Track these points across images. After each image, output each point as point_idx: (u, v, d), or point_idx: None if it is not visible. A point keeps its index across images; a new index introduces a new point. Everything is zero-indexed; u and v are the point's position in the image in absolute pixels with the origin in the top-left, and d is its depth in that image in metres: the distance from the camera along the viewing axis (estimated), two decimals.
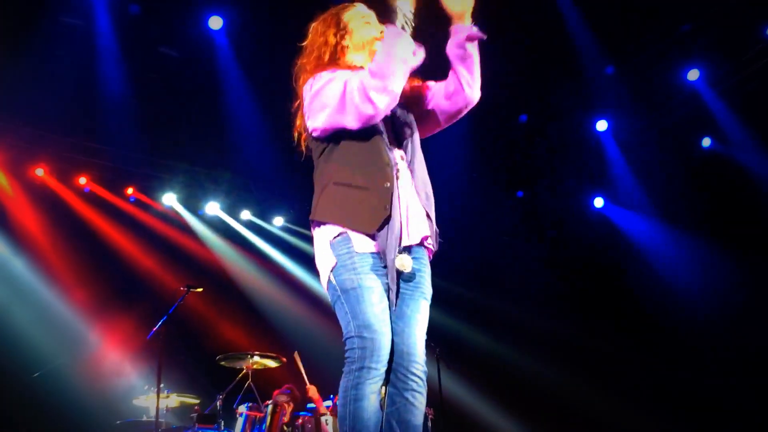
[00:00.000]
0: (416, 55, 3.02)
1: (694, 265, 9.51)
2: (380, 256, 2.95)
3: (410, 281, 3.05)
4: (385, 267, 2.95)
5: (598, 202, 10.58)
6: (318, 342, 8.41)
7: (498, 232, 10.85)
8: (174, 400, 6.86)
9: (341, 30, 3.24)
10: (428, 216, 3.12)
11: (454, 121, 3.35)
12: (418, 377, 2.95)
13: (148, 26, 7.73)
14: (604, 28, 8.08)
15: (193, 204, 9.97)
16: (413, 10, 3.01)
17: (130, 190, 9.58)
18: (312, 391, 7.43)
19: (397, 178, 3.02)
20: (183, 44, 8.04)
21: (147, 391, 6.78)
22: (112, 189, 9.43)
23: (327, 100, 2.98)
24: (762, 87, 8.62)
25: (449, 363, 7.70)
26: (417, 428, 2.94)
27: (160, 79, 8.25)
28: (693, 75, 8.82)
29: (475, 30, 3.10)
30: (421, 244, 3.10)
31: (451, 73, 3.21)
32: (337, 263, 2.97)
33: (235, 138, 9.05)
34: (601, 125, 9.66)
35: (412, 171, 3.13)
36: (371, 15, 3.30)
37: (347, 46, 3.24)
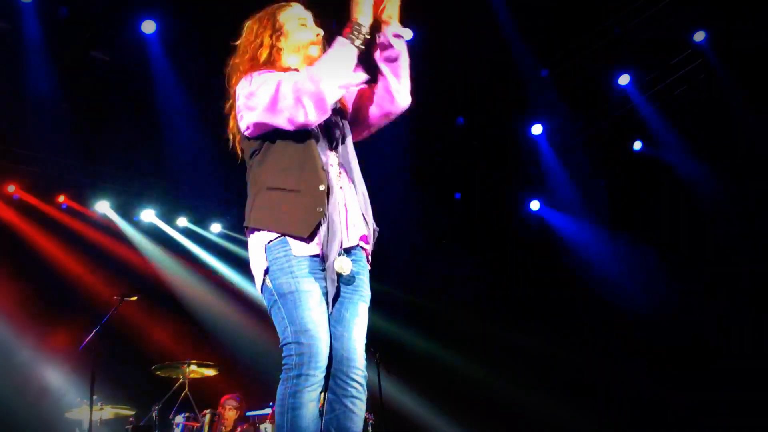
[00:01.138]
0: (356, 75, 2.99)
1: (624, 263, 9.72)
2: (319, 259, 2.91)
3: (349, 284, 3.00)
4: (323, 270, 2.91)
5: (534, 205, 10.73)
6: (255, 349, 8.32)
7: (435, 235, 10.91)
8: (108, 412, 6.72)
9: (276, 31, 3.18)
10: (364, 217, 3.09)
11: (384, 124, 3.32)
12: (358, 383, 2.92)
13: (79, 30, 7.55)
14: (538, 32, 8.21)
15: (127, 211, 9.76)
16: (369, 25, 2.97)
17: (61, 198, 9.33)
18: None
19: (332, 178, 2.99)
20: (115, 48, 7.87)
21: (80, 404, 6.62)
22: (43, 197, 9.17)
23: (259, 100, 2.93)
24: (689, 91, 8.88)
25: (389, 367, 7.69)
26: None
27: (92, 85, 8.07)
28: (624, 79, 9.03)
29: (400, 28, 3.09)
30: (358, 246, 3.07)
31: (379, 77, 3.19)
32: (273, 267, 2.91)
33: (171, 143, 8.89)
34: (537, 129, 9.81)
35: (347, 172, 3.10)
36: (308, 17, 3.26)
37: (282, 48, 3.19)
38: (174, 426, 6.30)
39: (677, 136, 9.21)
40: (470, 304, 10.45)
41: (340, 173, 3.06)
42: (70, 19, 7.42)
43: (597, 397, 9.38)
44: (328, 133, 3.11)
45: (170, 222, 10.12)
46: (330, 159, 3.06)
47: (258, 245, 2.98)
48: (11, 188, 8.95)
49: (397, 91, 3.16)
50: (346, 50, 2.92)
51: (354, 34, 2.92)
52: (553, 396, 9.39)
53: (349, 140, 3.18)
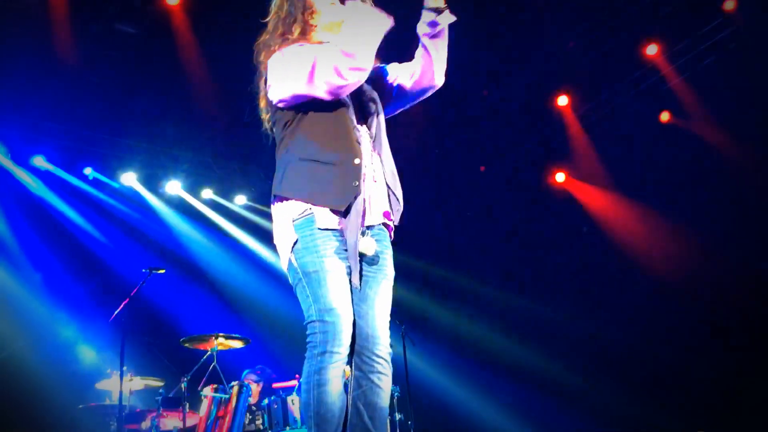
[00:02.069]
0: (384, 24, 2.93)
1: (652, 236, 9.63)
2: (342, 234, 2.93)
3: (373, 263, 3.03)
4: (347, 249, 2.93)
5: (560, 177, 10.65)
6: (282, 320, 8.38)
7: (460, 207, 10.88)
8: (138, 383, 6.81)
9: (307, 9, 3.17)
10: (394, 194, 3.10)
11: (417, 101, 3.32)
12: (384, 359, 2.95)
13: (104, 3, 7.55)
14: (565, 1, 8.08)
15: (153, 183, 9.82)
16: None
17: (88, 170, 9.41)
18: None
19: (364, 153, 2.99)
20: (139, 20, 7.87)
21: (110, 375, 6.72)
22: (70, 169, 9.25)
23: (296, 70, 2.93)
24: (719, 61, 8.72)
25: (414, 340, 7.72)
26: (383, 410, 2.95)
27: (118, 57, 8.08)
28: (651, 49, 8.88)
29: (447, 12, 3.05)
30: (382, 222, 3.07)
31: (418, 54, 3.19)
32: (299, 244, 2.93)
33: (196, 115, 8.92)
34: (562, 100, 9.71)
35: (377, 148, 3.10)
36: None
37: (314, 26, 3.18)
38: (202, 397, 6.36)
39: (706, 106, 9.08)
40: (495, 277, 10.45)
41: (370, 148, 3.07)
42: None
43: (620, 368, 9.35)
44: (361, 106, 3.12)
45: (195, 194, 10.17)
46: (362, 132, 3.06)
47: (284, 219, 2.99)
48: (39, 160, 9.03)
49: (438, 69, 3.16)
50: (363, 8, 2.91)
51: None
52: (579, 368, 9.40)
53: (381, 116, 3.18)
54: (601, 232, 10.06)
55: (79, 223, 9.27)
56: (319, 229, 2.90)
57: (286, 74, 2.95)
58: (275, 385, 7.39)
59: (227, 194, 10.42)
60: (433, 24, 3.07)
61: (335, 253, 2.91)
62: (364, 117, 3.12)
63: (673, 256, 9.25)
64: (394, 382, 3.71)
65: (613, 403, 9.01)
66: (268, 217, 9.65)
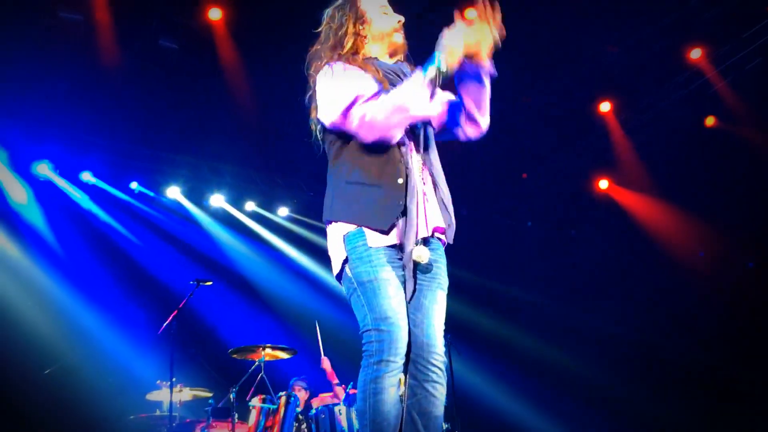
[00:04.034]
0: (431, 108, 3.05)
1: (697, 242, 9.52)
2: (396, 248, 2.95)
3: (427, 272, 3.04)
4: (401, 259, 2.95)
5: (603, 184, 10.57)
6: (328, 332, 8.40)
7: (503, 215, 10.83)
8: (187, 393, 6.88)
9: (359, 19, 3.21)
10: (446, 208, 3.11)
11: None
12: (438, 368, 2.95)
13: (147, 19, 7.68)
14: (607, 6, 8.01)
15: (197, 196, 9.95)
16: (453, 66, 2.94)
17: (134, 184, 9.56)
18: (325, 363, 7.49)
19: (412, 171, 3.01)
20: (182, 36, 7.98)
21: (159, 386, 6.79)
22: (116, 183, 9.40)
23: (337, 101, 2.99)
24: (764, 64, 8.59)
25: (460, 349, 7.70)
26: (438, 419, 2.94)
27: (162, 73, 8.20)
28: (696, 53, 8.78)
29: (490, 67, 3.07)
30: (435, 236, 3.09)
31: (463, 103, 3.20)
32: (352, 256, 2.96)
33: (238, 128, 9.02)
34: (605, 106, 9.64)
35: (427, 165, 3.12)
36: (387, 4, 3.28)
37: (365, 36, 3.22)
38: (251, 408, 6.41)
39: (751, 110, 8.95)
40: (539, 284, 10.38)
41: (422, 169, 3.09)
42: (140, 9, 7.56)
43: (669, 375, 9.25)
44: (413, 133, 3.13)
45: (239, 206, 10.28)
46: (410, 148, 3.08)
47: (336, 236, 3.03)
48: (87, 175, 9.19)
49: (478, 119, 3.22)
50: (420, 90, 2.92)
51: (433, 73, 2.90)
52: (627, 376, 9.30)
53: (433, 145, 3.22)
54: (646, 238, 9.96)
55: (127, 237, 9.41)
56: (370, 246, 2.94)
57: (331, 100, 3.01)
58: (322, 395, 7.43)
59: (270, 206, 10.51)
60: (474, 80, 3.11)
61: (389, 262, 2.94)
62: (413, 131, 3.13)
63: (719, 261, 9.14)
64: None
65: (667, 414, 8.91)
66: (310, 228, 9.75)
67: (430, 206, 3.06)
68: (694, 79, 9.04)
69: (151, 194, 9.66)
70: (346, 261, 2.99)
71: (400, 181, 2.96)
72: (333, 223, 3.05)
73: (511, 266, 10.46)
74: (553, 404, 9.44)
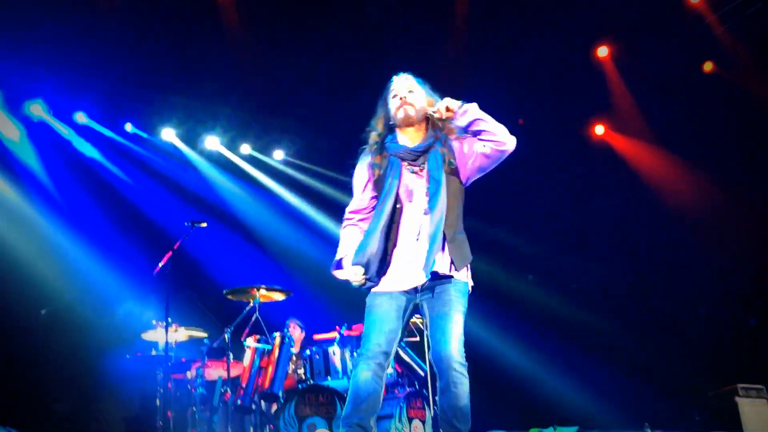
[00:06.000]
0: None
1: (694, 191, 9.50)
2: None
3: (439, 299, 3.61)
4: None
5: (599, 129, 10.53)
6: (322, 274, 8.44)
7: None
8: (182, 333, 6.93)
9: (383, 99, 3.96)
10: (439, 249, 3.59)
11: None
12: (459, 372, 3.53)
13: None
14: None
15: (192, 138, 9.91)
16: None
17: (128, 125, 9.50)
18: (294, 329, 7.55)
19: (402, 237, 3.68)
20: None
21: (155, 326, 6.85)
22: (110, 125, 9.35)
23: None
24: (763, 10, 8.49)
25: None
26: (464, 408, 3.53)
27: (157, 14, 8.09)
28: None
29: (465, 110, 3.68)
30: (437, 276, 3.61)
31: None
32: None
33: (234, 71, 8.93)
34: (602, 51, 9.55)
35: (431, 206, 3.66)
36: (398, 87, 3.87)
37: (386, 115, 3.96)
38: (245, 347, 6.48)
39: (750, 56, 8.87)
40: (532, 233, 10.38)
41: (423, 209, 3.70)
42: None
43: (669, 333, 9.32)
44: (415, 193, 3.74)
45: (234, 149, 10.24)
46: (412, 215, 3.71)
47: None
48: (80, 116, 9.14)
49: (500, 143, 3.70)
50: None
51: None
52: (622, 324, 9.38)
53: (443, 191, 3.67)
54: (642, 185, 9.95)
55: (122, 178, 9.39)
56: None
57: None
58: (315, 336, 7.49)
59: (265, 149, 10.48)
60: (468, 125, 3.68)
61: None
62: (419, 199, 3.73)
63: (716, 210, 9.15)
64: None
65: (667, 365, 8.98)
66: (305, 171, 9.68)
67: (420, 248, 3.68)
68: (693, 24, 8.94)
69: (145, 136, 9.62)
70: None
71: (381, 225, 3.74)
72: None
73: (503, 212, 10.35)
74: (553, 352, 9.49)
